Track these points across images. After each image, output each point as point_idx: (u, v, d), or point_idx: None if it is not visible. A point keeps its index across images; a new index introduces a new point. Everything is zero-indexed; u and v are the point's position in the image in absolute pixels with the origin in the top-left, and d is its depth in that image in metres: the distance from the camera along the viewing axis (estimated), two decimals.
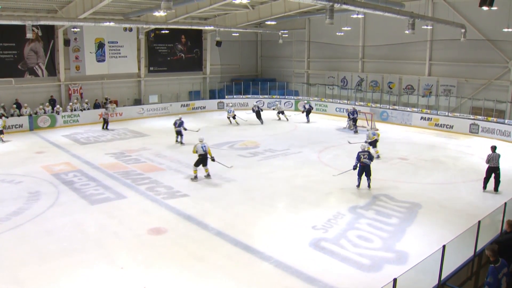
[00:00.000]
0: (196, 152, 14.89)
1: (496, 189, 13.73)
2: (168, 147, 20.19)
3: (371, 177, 14.09)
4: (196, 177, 15.05)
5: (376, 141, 18.06)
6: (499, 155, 13.64)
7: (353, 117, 24.66)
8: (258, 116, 26.65)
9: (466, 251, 7.84)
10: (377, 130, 20.52)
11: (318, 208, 12.40)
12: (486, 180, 13.90)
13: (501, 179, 13.82)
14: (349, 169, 14.50)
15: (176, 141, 21.13)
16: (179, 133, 20.92)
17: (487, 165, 13.81)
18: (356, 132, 23.84)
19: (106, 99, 28.47)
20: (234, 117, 26.70)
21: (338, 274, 8.76)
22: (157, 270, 8.84)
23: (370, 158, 14.06)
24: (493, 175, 13.71)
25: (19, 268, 8.93)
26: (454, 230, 10.15)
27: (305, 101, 29.24)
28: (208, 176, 15.21)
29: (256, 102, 31.55)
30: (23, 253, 9.59)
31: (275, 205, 12.98)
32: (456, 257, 7.52)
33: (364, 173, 13.98)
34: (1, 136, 21.45)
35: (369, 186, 14.09)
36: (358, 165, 13.94)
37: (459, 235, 8.17)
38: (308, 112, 27.66)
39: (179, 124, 20.85)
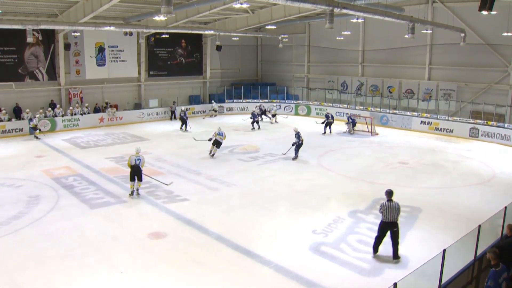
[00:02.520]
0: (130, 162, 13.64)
1: (395, 255, 9.49)
2: (168, 152, 20.18)
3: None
4: (132, 192, 13.71)
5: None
6: (397, 207, 9.42)
7: (352, 121, 24.88)
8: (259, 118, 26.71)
9: (466, 256, 7.82)
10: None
11: (318, 213, 12.39)
12: (378, 241, 9.65)
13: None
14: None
15: (181, 128, 25.54)
16: (183, 121, 25.35)
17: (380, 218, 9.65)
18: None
19: (107, 103, 28.50)
20: (274, 115, 28.84)
21: (338, 279, 8.74)
22: (157, 274, 8.83)
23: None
24: (389, 233, 9.50)
25: (18, 272, 8.90)
26: (454, 235, 10.14)
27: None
28: (137, 191, 13.73)
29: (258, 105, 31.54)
30: (23, 257, 9.57)
31: (275, 209, 12.97)
32: (457, 262, 7.50)
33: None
34: (37, 133, 23.21)
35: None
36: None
37: (459, 240, 8.16)
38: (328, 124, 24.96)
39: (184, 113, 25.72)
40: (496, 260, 6.48)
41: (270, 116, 29.09)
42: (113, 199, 13.52)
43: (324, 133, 24.63)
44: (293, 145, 18.64)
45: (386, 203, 9.42)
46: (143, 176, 13.88)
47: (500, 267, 6.45)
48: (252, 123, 26.13)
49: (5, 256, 9.65)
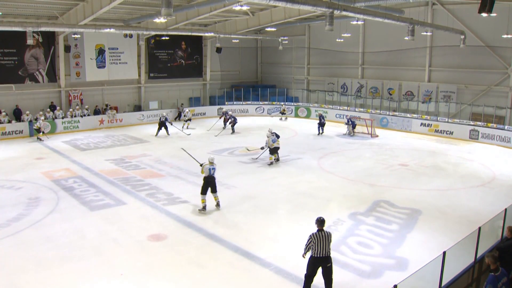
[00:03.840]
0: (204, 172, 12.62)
1: None
2: (168, 154, 20.17)
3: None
4: (204, 207, 12.58)
5: (276, 148, 18.10)
6: (330, 237, 7.91)
7: (352, 123, 25.06)
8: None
9: (466, 258, 7.81)
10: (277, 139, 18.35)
11: (318, 215, 12.28)
12: (308, 280, 8.00)
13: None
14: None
15: (156, 134, 24.66)
16: (163, 126, 24.51)
17: (309, 254, 8.03)
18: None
19: (107, 105, 28.52)
20: (283, 113, 30.68)
21: (338, 281, 8.71)
22: (157, 277, 8.82)
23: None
24: (320, 270, 7.95)
25: (18, 275, 8.89)
26: (454, 237, 10.14)
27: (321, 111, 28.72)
28: (217, 205, 12.80)
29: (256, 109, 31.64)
30: (22, 259, 9.56)
31: (275, 211, 12.94)
32: (457, 264, 7.49)
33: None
34: (40, 135, 23.27)
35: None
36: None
37: (460, 242, 8.15)
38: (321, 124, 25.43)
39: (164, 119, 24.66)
40: (495, 265, 6.45)
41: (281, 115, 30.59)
42: (113, 201, 13.51)
43: (319, 133, 25.20)
44: (261, 148, 18.63)
45: (317, 234, 7.81)
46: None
47: (499, 271, 6.42)
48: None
49: (4, 258, 9.64)
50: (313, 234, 7.85)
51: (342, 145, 22.38)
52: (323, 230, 7.89)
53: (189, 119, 27.18)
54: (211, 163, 12.68)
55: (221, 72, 36.24)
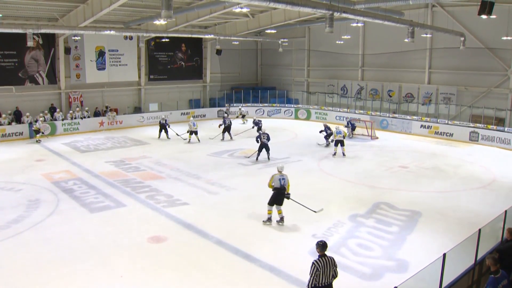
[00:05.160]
0: (272, 183, 11.62)
1: None
2: (168, 156, 20.17)
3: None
4: (269, 219, 11.69)
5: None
6: (334, 263, 6.92)
7: (351, 125, 24.75)
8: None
9: (466, 260, 7.80)
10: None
11: (318, 217, 12.35)
12: None
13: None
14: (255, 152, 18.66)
15: (159, 136, 24.41)
16: (163, 128, 24.28)
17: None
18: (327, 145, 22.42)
19: (107, 107, 28.53)
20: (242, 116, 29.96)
21: (339, 283, 8.64)
22: (156, 279, 8.80)
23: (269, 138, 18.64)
24: None
25: (17, 277, 8.88)
26: (454, 238, 10.14)
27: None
28: (281, 220, 11.66)
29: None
30: (22, 261, 9.54)
31: (275, 213, 12.90)
32: (457, 266, 7.48)
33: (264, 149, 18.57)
34: (38, 136, 23.21)
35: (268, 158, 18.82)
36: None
37: (460, 243, 8.15)
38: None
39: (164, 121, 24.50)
40: (495, 267, 6.43)
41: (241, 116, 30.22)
42: (113, 203, 13.50)
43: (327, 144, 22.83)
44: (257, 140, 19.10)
45: (320, 260, 6.79)
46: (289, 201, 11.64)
47: (500, 274, 6.40)
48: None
49: (4, 260, 9.63)
50: (316, 261, 6.81)
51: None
52: (325, 255, 6.90)
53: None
54: (280, 172, 11.66)
55: (221, 74, 36.26)
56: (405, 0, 16.17)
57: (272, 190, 11.55)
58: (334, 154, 19.88)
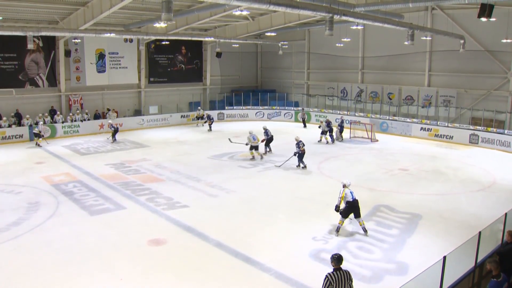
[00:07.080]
0: (345, 198, 11.16)
1: None
2: (168, 158, 20.17)
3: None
4: (338, 229, 11.34)
5: (256, 146, 19.80)
6: (349, 277, 6.59)
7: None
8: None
9: (467, 262, 7.79)
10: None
11: (318, 219, 12.34)
12: None
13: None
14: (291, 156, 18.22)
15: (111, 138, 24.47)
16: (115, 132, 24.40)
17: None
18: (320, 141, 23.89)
19: (108, 110, 28.55)
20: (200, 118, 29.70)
21: None
22: (156, 281, 8.79)
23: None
24: None
25: (17, 279, 8.87)
26: (454, 241, 10.11)
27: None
28: (365, 231, 11.28)
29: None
30: (22, 263, 9.54)
31: (275, 216, 12.91)
32: (457, 268, 7.47)
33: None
34: (36, 139, 23.03)
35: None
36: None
37: (460, 246, 8.13)
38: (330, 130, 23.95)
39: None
40: (497, 271, 6.42)
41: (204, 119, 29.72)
42: (113, 205, 13.50)
43: (333, 141, 23.93)
44: (294, 154, 18.21)
45: (334, 274, 6.45)
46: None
47: (501, 277, 6.39)
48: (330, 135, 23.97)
49: (4, 262, 9.62)
50: (330, 274, 6.45)
51: (343, 149, 22.37)
52: (340, 268, 6.54)
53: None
54: (347, 187, 11.32)
55: (221, 76, 36.29)
56: (405, 3, 16.20)
57: (345, 204, 11.15)
58: (320, 141, 23.41)
